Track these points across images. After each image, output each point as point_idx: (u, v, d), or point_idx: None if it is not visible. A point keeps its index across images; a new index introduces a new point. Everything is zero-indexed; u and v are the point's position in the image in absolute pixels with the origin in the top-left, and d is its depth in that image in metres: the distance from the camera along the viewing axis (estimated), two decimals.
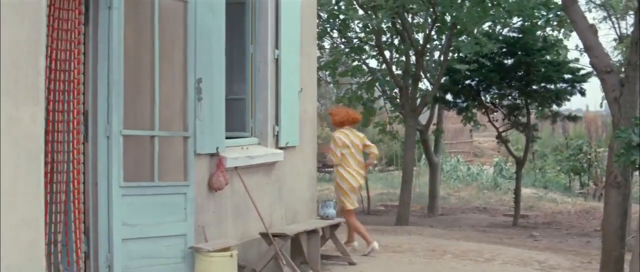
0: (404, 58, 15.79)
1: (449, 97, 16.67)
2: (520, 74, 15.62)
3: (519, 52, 15.38)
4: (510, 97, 16.32)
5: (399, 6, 13.74)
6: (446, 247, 10.18)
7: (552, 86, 15.61)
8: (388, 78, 15.76)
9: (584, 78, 15.76)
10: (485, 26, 15.27)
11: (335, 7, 15.03)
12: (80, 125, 6.12)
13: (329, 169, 9.33)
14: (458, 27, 14.26)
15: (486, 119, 16.87)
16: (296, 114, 8.68)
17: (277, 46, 8.35)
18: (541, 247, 11.46)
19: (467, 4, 13.80)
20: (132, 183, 6.34)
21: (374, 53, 16.19)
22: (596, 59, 7.30)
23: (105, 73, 6.19)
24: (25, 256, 5.11)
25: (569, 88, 15.74)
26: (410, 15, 15.38)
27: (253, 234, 7.83)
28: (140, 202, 6.40)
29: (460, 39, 14.53)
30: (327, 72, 17.19)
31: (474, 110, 16.99)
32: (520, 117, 16.28)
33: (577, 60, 16.30)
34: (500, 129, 16.74)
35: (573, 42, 59.57)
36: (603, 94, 9.00)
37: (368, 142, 9.57)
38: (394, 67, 15.75)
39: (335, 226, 8.79)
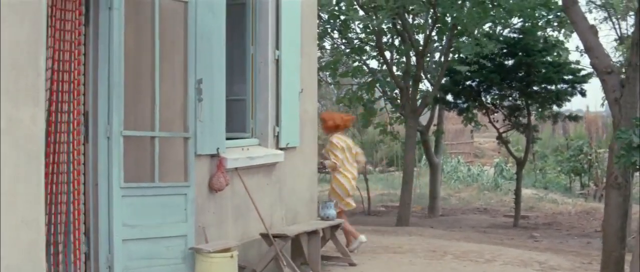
0: (404, 59, 15.78)
1: (449, 97, 16.66)
2: (520, 74, 15.61)
3: (520, 53, 15.37)
4: (510, 98, 16.30)
5: (399, 7, 13.73)
6: (447, 248, 10.18)
7: (553, 87, 15.60)
8: (388, 79, 15.76)
9: (585, 79, 15.74)
10: (486, 27, 15.26)
11: (336, 8, 15.02)
12: (80, 126, 6.12)
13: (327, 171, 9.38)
14: (458, 28, 14.26)
15: (487, 119, 16.86)
16: (296, 115, 8.68)
17: (277, 47, 8.35)
18: (542, 248, 11.45)
19: (468, 5, 13.79)
20: (132, 184, 6.34)
21: (375, 54, 16.18)
22: (597, 59, 7.30)
23: (106, 74, 6.19)
24: (25, 256, 5.11)
25: (570, 89, 15.73)
26: (410, 16, 15.37)
27: (253, 234, 7.83)
28: (141, 203, 6.40)
29: (460, 39, 14.53)
30: (328, 73, 17.19)
31: (475, 111, 16.98)
32: (520, 118, 16.28)
33: (577, 62, 16.28)
34: (501, 130, 16.73)
35: (574, 42, 59.58)
36: (603, 94, 8.99)
37: (358, 149, 9.67)
38: (394, 68, 15.74)
39: (335, 227, 8.79)
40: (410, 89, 15.06)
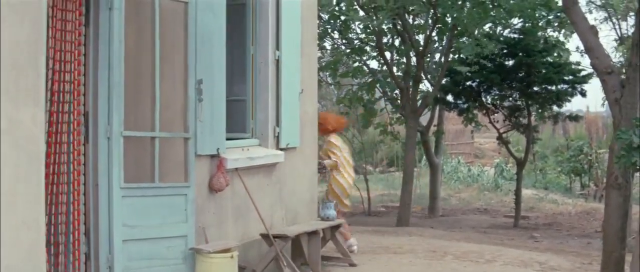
0: (404, 59, 15.78)
1: (449, 98, 16.66)
2: (521, 75, 15.61)
3: (520, 54, 15.38)
4: (511, 99, 16.31)
5: (399, 7, 13.73)
6: (447, 248, 10.18)
7: (553, 88, 15.59)
8: (389, 79, 15.76)
9: (585, 79, 15.74)
10: (486, 27, 15.25)
11: (336, 8, 15.02)
12: (80, 126, 6.12)
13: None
14: (459, 28, 14.26)
15: (487, 120, 16.86)
16: (297, 115, 8.68)
17: (277, 47, 8.35)
18: (542, 248, 11.45)
19: (468, 5, 13.79)
20: (132, 184, 6.34)
21: (375, 54, 16.18)
22: (597, 60, 7.30)
23: (106, 74, 6.19)
24: (26, 257, 5.11)
25: (570, 89, 15.73)
26: (411, 17, 15.37)
27: (254, 235, 7.83)
28: (141, 204, 6.40)
29: (461, 40, 14.52)
30: (328, 73, 17.18)
31: (475, 112, 16.98)
32: (521, 119, 16.28)
33: (578, 64, 16.28)
34: (501, 130, 16.73)
35: (574, 43, 59.56)
36: (604, 95, 8.99)
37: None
38: (394, 69, 15.74)
39: (335, 227, 8.79)
40: (411, 89, 15.06)
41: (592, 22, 7.72)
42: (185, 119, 6.76)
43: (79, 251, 6.10)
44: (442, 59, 15.19)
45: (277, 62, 8.35)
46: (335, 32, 15.75)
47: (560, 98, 15.74)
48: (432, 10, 14.17)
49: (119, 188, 6.22)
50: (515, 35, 15.86)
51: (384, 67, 15.94)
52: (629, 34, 20.55)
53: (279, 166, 8.38)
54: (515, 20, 15.61)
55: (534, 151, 21.60)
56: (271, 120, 8.30)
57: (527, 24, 15.51)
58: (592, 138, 26.60)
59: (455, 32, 14.44)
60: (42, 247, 5.29)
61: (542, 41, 15.67)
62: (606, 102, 9.29)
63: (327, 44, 16.64)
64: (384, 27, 14.96)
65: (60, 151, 6.00)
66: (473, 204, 19.49)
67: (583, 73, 15.87)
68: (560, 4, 12.81)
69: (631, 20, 21.22)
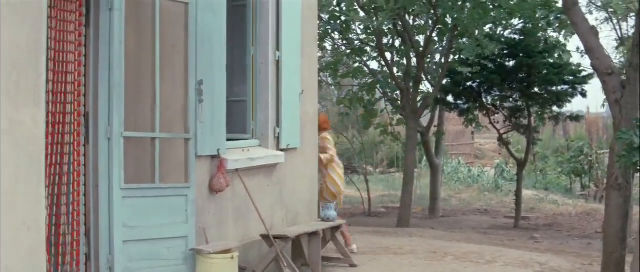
0: (405, 60, 15.78)
1: (450, 99, 16.67)
2: (521, 76, 15.61)
3: (521, 55, 15.38)
4: (511, 99, 16.32)
5: (400, 8, 13.73)
6: (447, 249, 10.18)
7: (554, 88, 15.59)
8: (389, 80, 15.76)
9: (585, 80, 15.75)
10: (486, 28, 15.26)
11: (337, 9, 15.03)
12: (81, 127, 6.12)
13: None
14: (459, 29, 14.26)
15: (487, 121, 16.86)
16: (297, 116, 8.68)
17: (278, 48, 8.35)
18: (542, 249, 11.45)
19: (468, 6, 13.79)
20: (133, 185, 6.34)
21: (375, 55, 16.19)
22: (597, 60, 7.30)
23: (106, 75, 6.19)
24: (26, 257, 5.11)
25: (570, 90, 15.73)
26: (411, 17, 15.38)
27: (254, 236, 7.83)
28: (141, 204, 6.39)
29: (461, 41, 14.53)
30: (328, 74, 17.19)
31: (476, 112, 16.99)
32: (521, 119, 16.28)
33: (579, 65, 16.28)
34: (502, 131, 16.73)
35: (574, 43, 59.55)
36: (604, 95, 8.99)
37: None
38: (395, 69, 15.74)
39: (336, 228, 8.79)
40: (411, 90, 15.06)
41: (592, 23, 7.71)
42: (186, 120, 6.76)
43: (79, 252, 6.10)
44: (443, 60, 15.20)
45: (278, 62, 8.35)
46: (336, 32, 15.76)
47: (561, 99, 15.75)
48: (432, 11, 14.18)
49: (119, 189, 6.22)
50: (516, 36, 15.86)
51: (385, 68, 15.95)
52: (630, 34, 20.53)
53: (280, 166, 8.38)
54: (515, 21, 15.61)
55: (534, 151, 21.61)
56: (271, 121, 8.30)
57: (527, 25, 15.51)
58: (592, 139, 26.62)
59: (456, 32, 14.45)
60: (42, 248, 5.28)
61: (542, 42, 15.68)
62: (606, 103, 9.29)
63: (328, 45, 16.66)
64: (385, 27, 14.97)
65: (61, 152, 5.99)
66: (473, 205, 19.49)
67: (583, 74, 15.87)
68: (560, 5, 12.81)
69: (631, 21, 21.20)
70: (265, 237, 7.68)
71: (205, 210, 7.18)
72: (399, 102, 15.98)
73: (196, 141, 6.82)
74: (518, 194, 16.08)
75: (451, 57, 15.32)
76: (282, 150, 8.39)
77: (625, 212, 7.17)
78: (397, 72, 15.75)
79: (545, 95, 15.67)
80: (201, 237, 6.92)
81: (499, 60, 15.73)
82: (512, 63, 15.80)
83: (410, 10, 14.62)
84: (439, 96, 15.89)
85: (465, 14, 13.58)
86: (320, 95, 16.44)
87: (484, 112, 16.55)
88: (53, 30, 5.83)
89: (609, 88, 7.19)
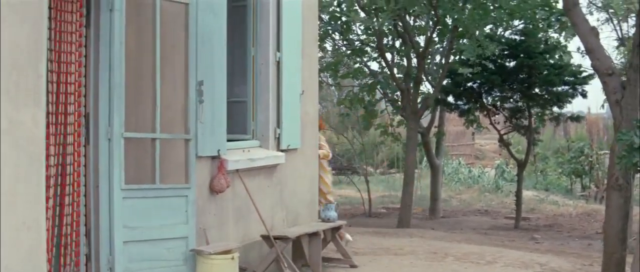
0: (405, 60, 15.78)
1: (450, 99, 16.66)
2: (522, 76, 15.61)
3: (521, 55, 15.37)
4: (511, 100, 16.31)
5: (400, 9, 13.73)
6: (448, 249, 10.17)
7: (554, 89, 15.59)
8: (390, 80, 15.76)
9: (586, 80, 15.75)
10: (487, 28, 15.25)
11: (337, 9, 15.02)
12: (81, 127, 6.12)
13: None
14: (459, 29, 14.26)
15: (488, 121, 16.86)
16: (297, 117, 8.68)
17: (278, 48, 8.35)
18: (542, 249, 11.44)
19: (469, 7, 13.79)
20: (133, 186, 6.34)
21: (376, 55, 16.18)
22: (598, 61, 7.30)
23: (107, 75, 6.19)
24: (26, 257, 5.11)
25: (571, 90, 15.73)
26: (411, 18, 15.38)
27: (254, 236, 7.82)
28: (142, 205, 6.39)
29: (461, 41, 14.52)
30: (329, 74, 17.19)
31: (476, 113, 16.98)
32: (522, 120, 16.28)
33: (579, 66, 16.28)
34: (502, 132, 16.73)
35: (575, 44, 59.55)
36: (604, 96, 9.00)
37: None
38: (395, 70, 15.74)
39: (336, 229, 8.78)
40: (411, 90, 15.06)
41: (593, 24, 7.71)
42: (186, 121, 6.76)
43: (79, 252, 6.09)
44: (443, 61, 15.19)
45: (278, 63, 8.35)
46: (336, 33, 15.76)
47: (561, 99, 15.74)
48: (432, 12, 14.17)
49: (119, 189, 6.22)
50: (516, 37, 15.86)
51: (385, 69, 15.95)
52: (630, 35, 20.54)
53: (280, 167, 8.38)
54: (516, 22, 15.61)
55: (534, 152, 21.59)
56: (272, 122, 8.30)
57: (528, 26, 15.51)
58: (592, 139, 26.60)
59: (456, 33, 14.44)
60: (42, 248, 5.28)
61: (543, 43, 15.67)
62: (607, 104, 9.29)
63: (328, 45, 16.65)
64: (385, 28, 14.96)
65: (62, 152, 5.99)
66: (474, 206, 19.48)
67: (584, 74, 15.87)
68: (561, 5, 12.82)
69: (632, 22, 21.22)
70: (266, 237, 7.68)
71: (206, 211, 7.18)
72: (400, 102, 15.97)
73: (196, 141, 6.82)
74: (518, 194, 16.08)
75: (451, 57, 15.32)
76: (282, 150, 8.39)
77: (625, 212, 7.16)
78: (398, 73, 15.74)
79: (546, 96, 15.66)
80: (201, 237, 6.92)
81: (499, 60, 15.72)
82: (512, 64, 15.80)
83: (411, 11, 14.62)
84: (439, 97, 15.89)
85: (465, 14, 13.58)
86: (321, 96, 16.44)
87: (485, 112, 16.55)
88: (53, 30, 5.83)
89: (609, 89, 7.19)
